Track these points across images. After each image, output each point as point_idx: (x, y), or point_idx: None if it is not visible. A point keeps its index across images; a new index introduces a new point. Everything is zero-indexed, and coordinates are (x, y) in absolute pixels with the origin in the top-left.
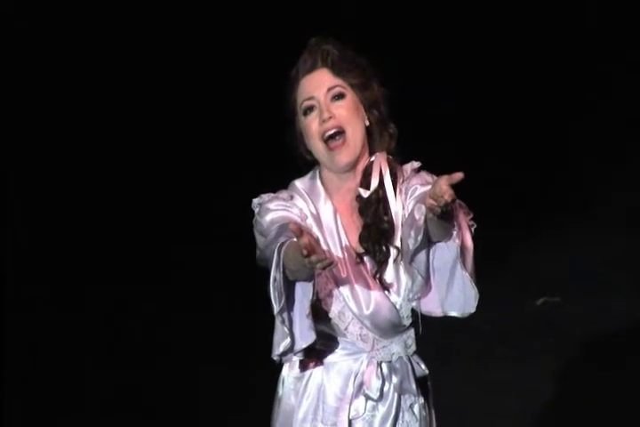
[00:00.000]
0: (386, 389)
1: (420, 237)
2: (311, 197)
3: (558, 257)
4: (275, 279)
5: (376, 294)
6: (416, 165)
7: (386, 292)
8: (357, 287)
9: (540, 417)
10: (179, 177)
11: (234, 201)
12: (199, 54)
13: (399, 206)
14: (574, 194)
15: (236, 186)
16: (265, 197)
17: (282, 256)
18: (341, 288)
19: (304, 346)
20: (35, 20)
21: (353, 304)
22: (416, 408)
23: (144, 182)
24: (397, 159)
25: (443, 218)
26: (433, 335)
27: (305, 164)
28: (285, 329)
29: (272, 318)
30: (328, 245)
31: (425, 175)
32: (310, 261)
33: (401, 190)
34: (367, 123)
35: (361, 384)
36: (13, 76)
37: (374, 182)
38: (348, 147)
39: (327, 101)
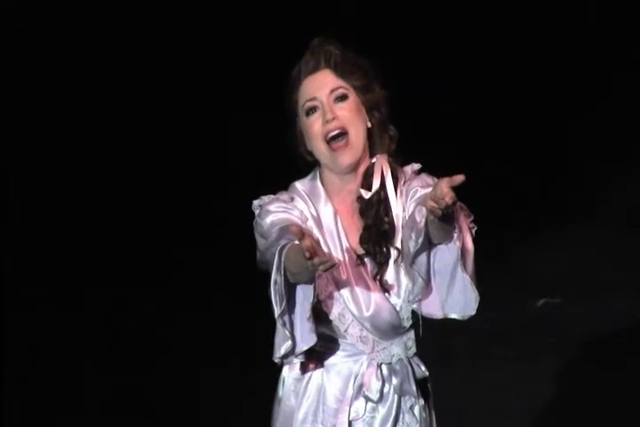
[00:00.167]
0: (386, 390)
1: (420, 240)
2: (311, 198)
3: (558, 257)
4: (276, 282)
5: (376, 296)
6: (416, 166)
7: (386, 294)
8: (357, 289)
9: (540, 417)
10: (179, 177)
11: (234, 201)
12: (200, 54)
13: (399, 208)
14: (574, 194)
15: (236, 186)
16: (265, 198)
17: (283, 259)
18: (341, 290)
19: (305, 348)
20: (35, 20)
21: (353, 306)
22: (416, 410)
23: (144, 182)
24: (397, 161)
25: (443, 220)
26: (433, 337)
27: (305, 164)
28: (286, 332)
29: (272, 319)
30: (328, 247)
31: (425, 177)
32: (313, 263)
33: (401, 192)
34: (369, 124)
35: (361, 386)
36: (13, 76)
37: (376, 184)
38: (351, 148)
39: (330, 102)
